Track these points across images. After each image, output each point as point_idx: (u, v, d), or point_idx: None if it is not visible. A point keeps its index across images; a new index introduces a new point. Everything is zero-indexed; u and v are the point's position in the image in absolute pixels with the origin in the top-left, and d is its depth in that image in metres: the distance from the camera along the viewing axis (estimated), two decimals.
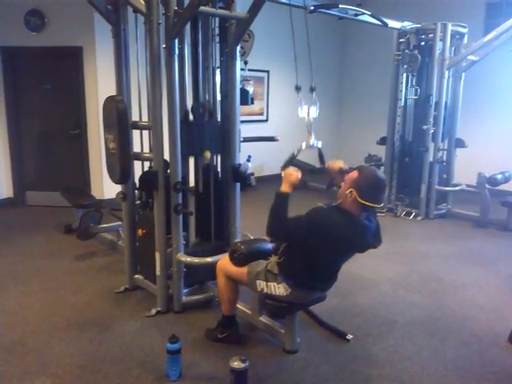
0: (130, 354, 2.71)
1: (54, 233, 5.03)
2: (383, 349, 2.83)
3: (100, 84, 5.72)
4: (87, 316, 3.17)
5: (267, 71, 7.55)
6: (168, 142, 3.03)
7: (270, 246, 2.80)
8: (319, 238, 2.34)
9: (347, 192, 2.32)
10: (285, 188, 2.47)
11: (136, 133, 3.36)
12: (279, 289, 2.53)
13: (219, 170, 3.44)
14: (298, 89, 2.84)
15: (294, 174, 2.48)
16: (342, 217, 2.35)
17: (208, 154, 3.22)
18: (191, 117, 3.25)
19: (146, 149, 3.41)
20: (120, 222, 4.10)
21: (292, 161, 2.68)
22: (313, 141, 2.77)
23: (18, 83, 5.93)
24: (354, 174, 2.34)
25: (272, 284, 2.55)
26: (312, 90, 2.91)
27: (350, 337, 2.90)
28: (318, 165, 2.79)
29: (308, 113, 2.82)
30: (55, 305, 3.34)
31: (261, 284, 2.58)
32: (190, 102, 3.27)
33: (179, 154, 3.05)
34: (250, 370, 2.38)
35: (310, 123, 2.81)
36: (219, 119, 3.36)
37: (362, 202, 2.29)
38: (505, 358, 2.75)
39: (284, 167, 2.59)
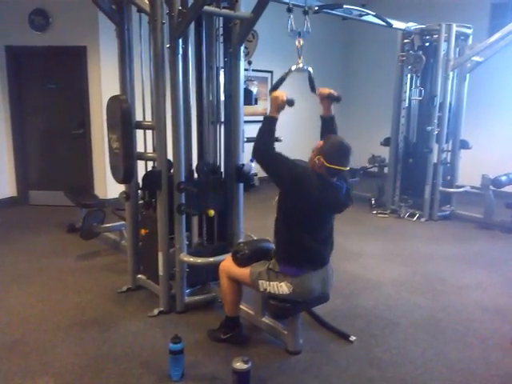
0: (132, 354, 2.71)
1: (57, 232, 5.04)
2: (386, 350, 2.81)
3: (104, 83, 5.74)
4: (90, 315, 3.17)
5: (271, 72, 7.54)
6: (171, 141, 3.02)
7: (272, 246, 2.79)
8: (293, 186, 2.46)
9: (315, 159, 2.46)
10: (271, 112, 2.57)
11: (139, 132, 3.36)
12: (281, 287, 2.52)
13: (222, 170, 3.44)
14: (289, 10, 2.90)
15: (280, 97, 2.54)
16: (314, 176, 2.47)
17: (212, 213, 3.25)
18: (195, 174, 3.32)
19: (150, 149, 3.41)
20: (123, 222, 4.10)
21: (280, 83, 2.77)
22: (302, 64, 2.86)
23: (22, 82, 5.95)
24: (320, 143, 2.52)
25: (274, 283, 2.54)
26: (305, 12, 2.95)
27: (352, 338, 2.89)
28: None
29: (299, 35, 2.88)
30: (58, 304, 3.34)
31: (263, 284, 2.58)
32: (193, 109, 3.29)
33: (182, 154, 3.04)
34: (252, 370, 2.38)
35: (300, 46, 2.89)
36: (223, 122, 3.36)
37: (329, 165, 2.42)
38: (509, 361, 2.73)
39: (271, 90, 2.68)
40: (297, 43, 2.88)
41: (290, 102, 2.58)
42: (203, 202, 3.23)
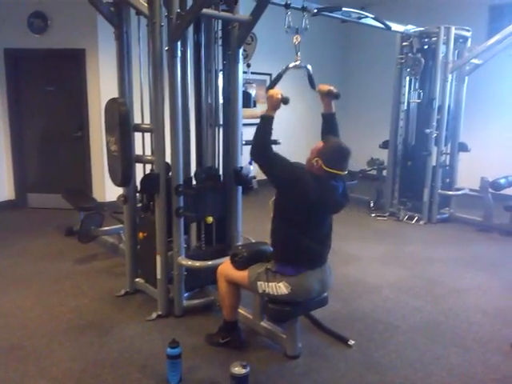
0: (129, 359, 2.69)
1: (55, 235, 5.02)
2: (385, 354, 2.80)
3: (102, 86, 5.73)
4: (87, 319, 3.16)
5: (270, 74, 7.54)
6: (170, 144, 3.01)
7: (271, 249, 2.78)
8: (290, 186, 2.46)
9: (313, 161, 2.45)
10: (268, 111, 2.58)
11: (138, 135, 3.35)
12: (280, 288, 2.51)
13: (221, 173, 3.43)
14: (287, 6, 2.89)
15: (275, 95, 2.55)
16: (311, 177, 2.46)
17: (210, 219, 3.26)
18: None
19: (148, 151, 3.40)
20: (121, 225, 4.09)
21: (277, 81, 2.79)
22: (300, 61, 2.87)
23: (20, 85, 5.94)
24: (320, 145, 2.49)
25: (273, 284, 2.53)
26: (303, 9, 2.96)
27: (351, 342, 2.87)
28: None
29: (297, 32, 2.91)
30: (55, 307, 3.32)
31: (262, 285, 2.56)
32: (192, 113, 3.29)
33: (180, 157, 3.03)
34: (250, 375, 2.36)
35: (298, 43, 2.90)
36: (221, 125, 3.37)
37: (327, 169, 2.41)
38: (509, 364, 2.72)
39: (268, 88, 2.68)
40: (294, 40, 2.89)
41: (285, 100, 2.58)
42: (202, 209, 3.23)
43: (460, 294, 3.69)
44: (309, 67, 2.89)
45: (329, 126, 2.73)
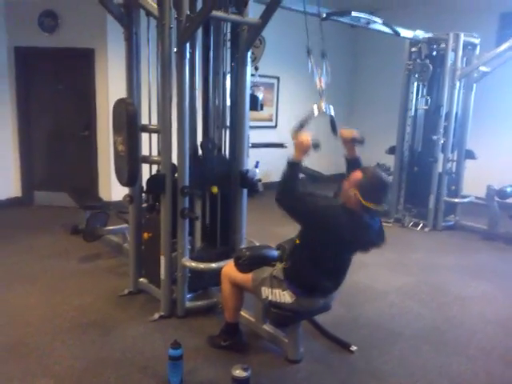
0: (131, 359, 2.69)
1: (60, 233, 5.04)
2: (388, 361, 2.79)
3: (111, 86, 5.75)
4: (90, 318, 3.17)
5: (277, 77, 7.55)
6: (176, 145, 3.02)
7: (275, 252, 2.77)
8: (321, 227, 2.36)
9: (350, 193, 2.34)
10: (296, 156, 2.43)
11: (145, 136, 3.36)
12: (284, 296, 2.50)
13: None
14: (309, 52, 2.77)
15: (305, 140, 2.41)
16: (345, 214, 2.36)
17: (215, 189, 3.24)
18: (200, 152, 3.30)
19: (155, 152, 3.41)
20: (126, 225, 4.10)
21: (303, 126, 2.58)
22: (325, 106, 2.68)
23: (30, 83, 5.97)
24: (358, 175, 2.35)
25: (277, 291, 2.52)
26: (323, 55, 2.85)
27: (353, 348, 2.86)
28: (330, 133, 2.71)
29: (319, 78, 2.74)
30: (59, 306, 3.33)
31: (266, 291, 2.56)
32: (199, 114, 3.29)
33: (187, 158, 3.04)
34: (251, 378, 2.36)
35: (321, 89, 2.73)
36: (228, 127, 3.37)
37: (365, 203, 2.29)
38: (511, 374, 2.70)
39: (295, 133, 2.52)
40: (318, 85, 2.73)
41: (316, 146, 2.42)
42: (207, 180, 3.20)
43: (464, 302, 3.67)
44: (332, 113, 2.69)
45: (354, 169, 2.52)
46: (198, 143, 3.31)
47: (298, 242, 2.54)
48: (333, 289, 2.62)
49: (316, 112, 2.66)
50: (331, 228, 2.35)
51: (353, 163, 2.62)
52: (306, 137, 2.43)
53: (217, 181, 3.27)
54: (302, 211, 2.39)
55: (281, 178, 2.44)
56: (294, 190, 2.40)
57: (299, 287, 2.50)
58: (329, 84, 2.77)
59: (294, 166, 2.43)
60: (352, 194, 2.32)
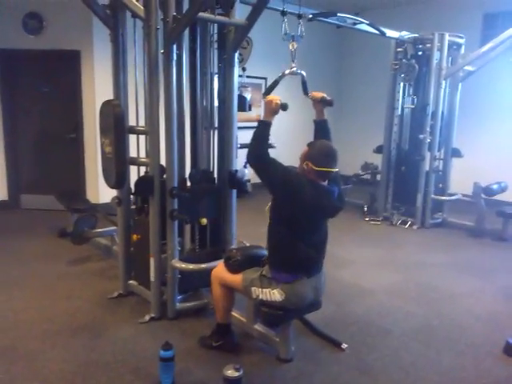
0: (122, 361, 2.68)
1: (48, 236, 5.00)
2: (378, 358, 2.81)
3: (97, 88, 5.72)
4: (80, 321, 3.14)
5: (265, 78, 7.56)
6: (164, 147, 3.01)
7: (265, 252, 2.78)
8: (287, 192, 2.46)
9: (303, 165, 2.49)
10: (265, 116, 2.57)
11: (132, 137, 3.34)
12: (274, 295, 2.51)
13: (216, 176, 3.43)
14: (283, 14, 2.94)
15: (273, 100, 2.55)
16: (307, 182, 2.48)
17: (204, 221, 3.25)
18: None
19: (143, 154, 3.39)
20: (115, 227, 4.07)
21: (274, 87, 2.81)
22: (296, 67, 2.89)
23: (15, 85, 5.92)
24: (306, 149, 2.54)
25: (267, 290, 2.53)
26: (299, 16, 2.99)
27: (344, 346, 2.88)
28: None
29: (293, 39, 2.91)
30: (48, 309, 3.30)
31: (256, 291, 2.57)
32: (187, 114, 3.29)
33: (175, 160, 3.03)
34: (243, 378, 2.36)
35: (294, 50, 2.91)
36: (216, 128, 3.37)
37: (318, 168, 2.45)
38: (500, 369, 2.74)
39: (265, 94, 2.70)
40: (290, 47, 2.91)
41: (284, 106, 2.59)
42: (196, 211, 3.22)
43: (453, 299, 3.71)
44: (303, 73, 2.92)
45: (321, 132, 2.77)
46: (187, 176, 3.32)
47: (270, 222, 2.59)
48: (317, 261, 2.64)
49: (287, 72, 2.88)
50: (297, 193, 2.45)
51: (320, 125, 2.78)
52: (275, 97, 2.57)
53: (205, 212, 3.28)
54: (272, 172, 2.50)
55: (251, 138, 2.55)
56: (264, 150, 2.52)
57: (285, 271, 2.52)
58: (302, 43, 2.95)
59: (263, 124, 2.56)
60: (305, 166, 2.48)
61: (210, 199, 3.32)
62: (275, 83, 2.83)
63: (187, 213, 3.10)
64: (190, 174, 3.30)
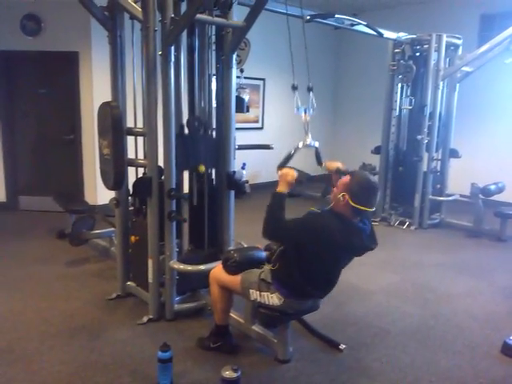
0: (120, 362, 2.68)
1: (46, 238, 5.00)
2: (376, 359, 2.81)
3: (95, 89, 5.72)
4: (78, 323, 3.14)
5: (263, 79, 7.58)
6: (163, 148, 3.02)
7: (263, 254, 2.79)
8: (314, 241, 2.35)
9: (339, 196, 2.34)
10: (281, 188, 2.49)
11: (130, 139, 3.35)
12: (272, 298, 2.52)
13: (213, 177, 3.44)
14: (294, 88, 2.84)
15: (290, 173, 2.49)
16: (335, 220, 2.36)
17: (203, 168, 3.21)
18: (186, 130, 3.25)
19: (141, 155, 3.40)
20: (113, 229, 4.08)
21: (288, 160, 2.68)
22: (310, 140, 2.77)
23: (13, 87, 5.92)
24: (347, 179, 2.38)
25: (265, 294, 2.53)
26: (309, 89, 2.90)
27: (342, 347, 2.88)
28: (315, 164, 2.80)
29: (305, 112, 2.79)
30: (46, 311, 3.30)
31: (254, 293, 2.57)
32: (185, 115, 3.28)
33: (173, 161, 3.04)
34: (241, 379, 2.36)
35: (306, 123, 2.79)
36: (214, 129, 3.36)
37: (354, 205, 2.31)
38: (497, 369, 2.75)
39: (280, 167, 2.61)
40: (303, 119, 2.79)
41: (300, 183, 2.52)
42: (194, 157, 3.18)
43: (450, 299, 3.72)
44: (317, 145, 2.79)
45: None
46: (184, 122, 3.27)
47: (284, 248, 2.53)
48: (321, 297, 2.64)
49: (301, 145, 2.74)
50: (324, 237, 2.34)
51: None
52: (291, 171, 2.50)
53: (204, 159, 3.22)
54: (291, 236, 2.42)
55: (267, 211, 2.46)
56: (281, 221, 2.42)
57: (287, 289, 2.51)
58: (314, 115, 2.84)
59: (278, 196, 2.47)
60: (341, 197, 2.33)
61: (208, 148, 3.25)
62: (289, 157, 2.69)
63: (185, 159, 3.03)
64: (188, 121, 3.24)
